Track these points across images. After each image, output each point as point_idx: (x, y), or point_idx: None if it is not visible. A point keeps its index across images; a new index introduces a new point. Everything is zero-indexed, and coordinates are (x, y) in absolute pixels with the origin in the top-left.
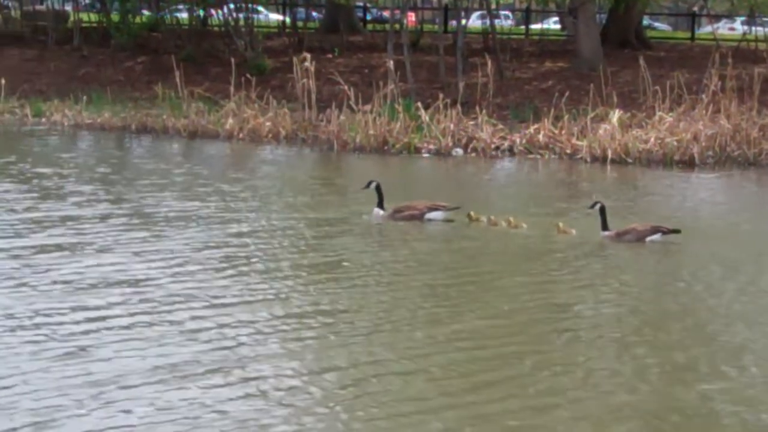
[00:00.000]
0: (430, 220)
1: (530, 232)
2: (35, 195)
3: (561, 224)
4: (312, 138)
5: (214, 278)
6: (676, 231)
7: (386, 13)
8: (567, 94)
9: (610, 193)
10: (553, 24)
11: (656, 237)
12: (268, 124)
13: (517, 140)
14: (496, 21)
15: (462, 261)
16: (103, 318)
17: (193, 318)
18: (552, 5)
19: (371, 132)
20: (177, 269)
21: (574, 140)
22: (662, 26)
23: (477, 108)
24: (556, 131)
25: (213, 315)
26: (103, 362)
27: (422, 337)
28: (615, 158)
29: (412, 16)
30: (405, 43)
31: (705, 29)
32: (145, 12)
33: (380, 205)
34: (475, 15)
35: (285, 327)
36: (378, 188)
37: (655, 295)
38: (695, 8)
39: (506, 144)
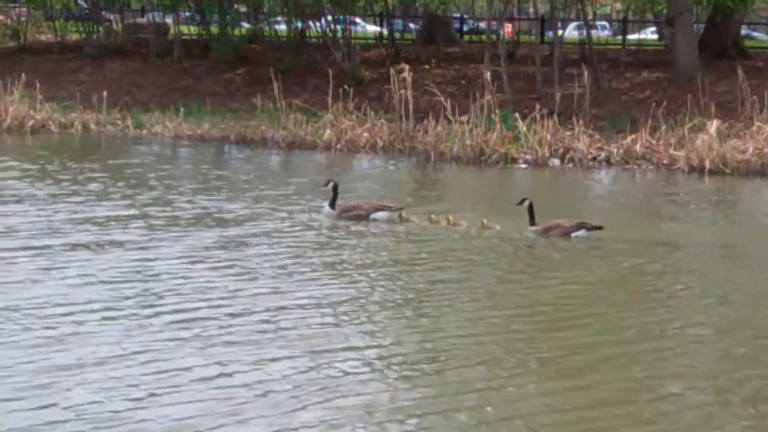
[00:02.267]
0: (375, 220)
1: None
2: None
3: (485, 220)
4: (409, 148)
5: (218, 275)
6: (600, 227)
7: (483, 24)
8: (664, 104)
9: (708, 204)
10: (650, 34)
11: (581, 233)
12: (365, 134)
13: (614, 151)
14: (593, 31)
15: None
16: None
17: (177, 311)
18: (649, 15)
19: (468, 142)
20: (187, 266)
21: (671, 150)
22: (761, 36)
23: (574, 118)
24: (654, 141)
25: (200, 307)
26: (74, 349)
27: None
28: (713, 169)
29: (508, 27)
30: (502, 54)
31: None
32: (244, 24)
33: (332, 204)
34: (571, 25)
35: (254, 318)
36: (335, 188)
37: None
38: None
39: (603, 155)
